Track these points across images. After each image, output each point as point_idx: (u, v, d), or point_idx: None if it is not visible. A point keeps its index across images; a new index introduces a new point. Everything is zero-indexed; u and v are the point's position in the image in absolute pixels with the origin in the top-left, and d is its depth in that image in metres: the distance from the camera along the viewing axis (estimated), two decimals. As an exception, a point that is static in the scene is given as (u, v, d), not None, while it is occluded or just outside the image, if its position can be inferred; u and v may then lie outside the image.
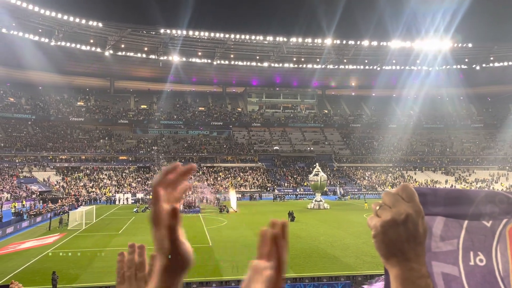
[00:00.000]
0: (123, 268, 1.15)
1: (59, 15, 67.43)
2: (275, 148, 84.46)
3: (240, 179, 72.77)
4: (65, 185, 64.45)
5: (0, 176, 61.24)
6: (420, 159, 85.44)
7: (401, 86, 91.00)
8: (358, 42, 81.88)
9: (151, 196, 0.92)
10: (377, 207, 1.04)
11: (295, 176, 75.61)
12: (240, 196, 61.35)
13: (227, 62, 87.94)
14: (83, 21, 70.32)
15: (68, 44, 75.09)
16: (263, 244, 0.92)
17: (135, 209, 50.42)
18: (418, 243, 0.97)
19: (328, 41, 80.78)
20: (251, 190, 68.82)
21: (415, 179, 76.91)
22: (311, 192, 60.20)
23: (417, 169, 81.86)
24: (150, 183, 67.38)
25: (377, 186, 74.25)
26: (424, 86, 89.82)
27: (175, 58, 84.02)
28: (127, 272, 1.14)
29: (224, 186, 68.71)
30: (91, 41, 78.28)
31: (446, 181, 75.33)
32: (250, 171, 75.96)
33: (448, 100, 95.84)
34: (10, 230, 35.80)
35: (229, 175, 73.92)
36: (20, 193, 57.65)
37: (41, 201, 54.91)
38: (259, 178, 73.81)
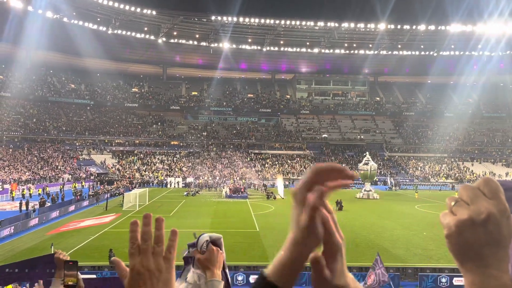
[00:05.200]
0: (137, 240, 1.05)
1: (116, 4, 69.96)
2: (323, 136, 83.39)
3: (288, 167, 72.73)
4: (120, 168, 67.56)
5: (62, 158, 65.26)
6: (479, 149, 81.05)
7: (459, 73, 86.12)
8: (414, 27, 78.29)
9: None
10: (453, 203, 0.86)
11: (344, 165, 74.30)
12: (287, 183, 61.36)
13: (276, 48, 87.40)
14: (138, 10, 72.56)
15: (123, 32, 77.90)
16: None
17: (185, 193, 52.04)
18: (501, 247, 0.81)
19: (382, 26, 77.92)
20: (299, 177, 68.50)
21: (472, 171, 73.19)
22: (360, 182, 59.06)
23: (474, 160, 77.78)
24: (309, 167, 69.11)
25: (430, 177, 71.47)
26: (485, 73, 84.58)
27: (226, 45, 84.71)
28: (142, 245, 1.05)
29: (271, 173, 69.03)
30: (145, 29, 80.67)
31: (507, 174, 71.06)
32: (298, 159, 75.67)
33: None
34: (71, 208, 38.23)
35: (276, 162, 74.09)
36: (80, 174, 61.20)
37: (98, 182, 58.01)
38: (306, 166, 73.37)
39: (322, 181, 0.96)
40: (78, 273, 2.97)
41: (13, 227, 28.00)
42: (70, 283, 2.78)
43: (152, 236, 1.07)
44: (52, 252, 3.29)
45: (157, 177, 65.64)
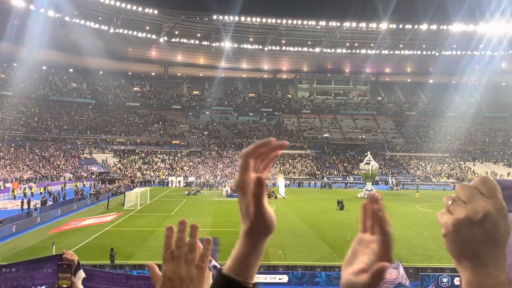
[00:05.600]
0: (171, 245, 1.04)
1: (118, 3, 69.98)
2: (325, 135, 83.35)
3: (289, 166, 72.71)
4: (121, 167, 67.62)
5: (64, 157, 65.35)
6: (480, 149, 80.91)
7: (461, 72, 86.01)
8: (416, 26, 78.18)
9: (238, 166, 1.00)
10: (450, 202, 0.85)
11: (345, 165, 74.39)
12: (288, 182, 61.37)
13: (278, 48, 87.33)
14: (140, 9, 72.58)
15: (125, 31, 77.90)
16: (365, 217, 0.91)
17: (187, 192, 52.07)
18: (499, 246, 0.81)
19: (384, 26, 77.82)
20: (300, 177, 68.60)
21: (473, 171, 73.08)
22: (361, 181, 59.07)
23: (476, 160, 77.66)
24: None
25: (431, 176, 71.39)
26: (487, 72, 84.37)
27: (227, 44, 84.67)
28: (176, 251, 1.04)
29: (272, 173, 68.99)
30: (147, 28, 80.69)
31: (508, 174, 70.94)
32: (299, 158, 75.64)
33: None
34: (73, 207, 38.28)
35: (278, 162, 74.02)
36: (81, 173, 61.27)
37: (100, 181, 58.07)
38: (308, 165, 73.36)
39: (256, 162, 0.99)
40: (81, 271, 2.95)
41: (15, 226, 28.07)
42: (64, 286, 2.75)
43: (186, 243, 1.05)
44: (55, 253, 3.21)
45: (158, 176, 65.70)
